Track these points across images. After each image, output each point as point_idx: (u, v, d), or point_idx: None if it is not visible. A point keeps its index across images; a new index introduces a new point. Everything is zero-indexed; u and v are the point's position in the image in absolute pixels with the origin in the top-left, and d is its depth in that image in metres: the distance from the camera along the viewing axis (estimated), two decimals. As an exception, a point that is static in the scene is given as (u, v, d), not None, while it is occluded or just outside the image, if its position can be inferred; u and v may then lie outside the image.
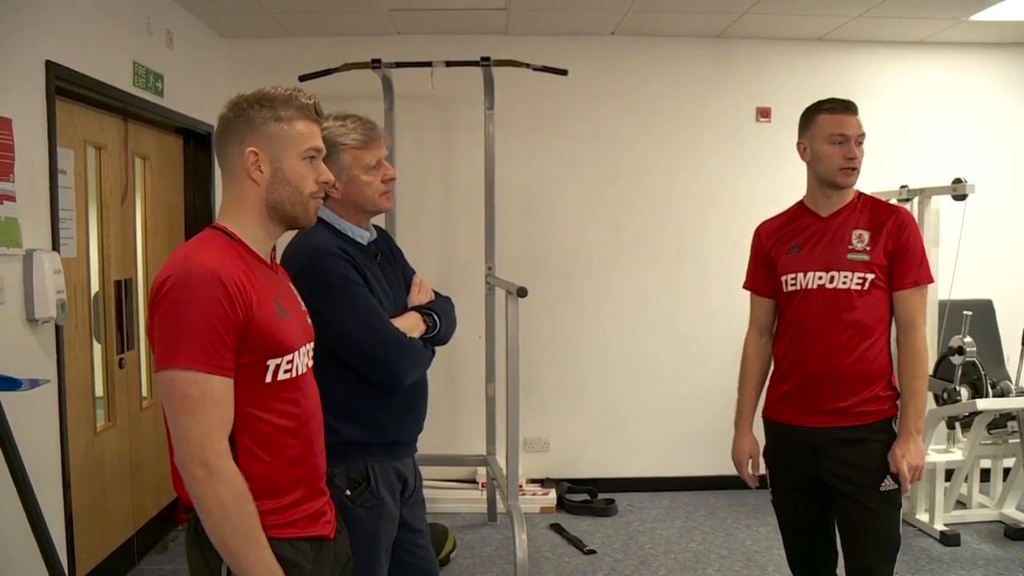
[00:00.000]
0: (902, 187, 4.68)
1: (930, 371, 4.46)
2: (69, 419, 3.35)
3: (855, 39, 5.16)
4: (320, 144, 1.78)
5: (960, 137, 5.30)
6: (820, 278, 2.52)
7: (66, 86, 3.34)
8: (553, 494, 5.06)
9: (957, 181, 4.33)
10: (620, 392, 5.31)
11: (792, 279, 2.56)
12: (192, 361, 1.54)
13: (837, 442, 2.49)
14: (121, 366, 3.96)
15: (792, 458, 2.59)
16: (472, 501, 4.98)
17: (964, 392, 4.30)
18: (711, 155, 5.24)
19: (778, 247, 2.63)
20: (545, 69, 4.47)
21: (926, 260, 2.53)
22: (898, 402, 2.53)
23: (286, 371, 1.68)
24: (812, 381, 2.52)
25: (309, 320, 1.87)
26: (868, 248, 2.49)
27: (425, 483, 5.17)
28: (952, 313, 4.42)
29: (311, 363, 1.82)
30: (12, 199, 2.90)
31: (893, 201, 4.71)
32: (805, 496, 2.59)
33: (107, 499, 3.82)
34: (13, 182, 2.91)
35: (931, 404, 4.46)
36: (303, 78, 4.37)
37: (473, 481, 5.19)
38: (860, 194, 2.61)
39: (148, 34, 4.01)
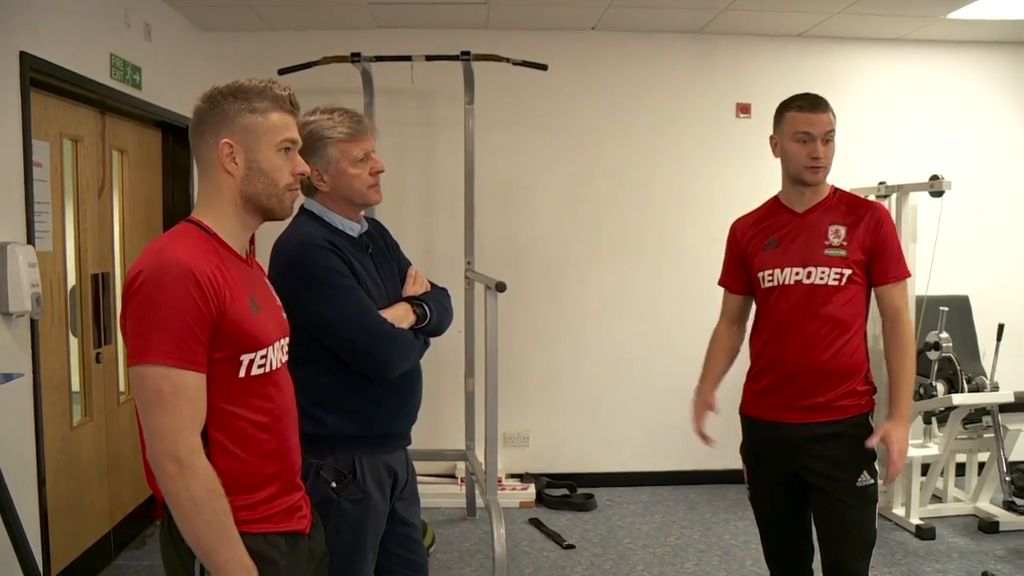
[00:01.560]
0: (880, 183, 4.70)
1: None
2: (45, 414, 3.33)
3: (834, 36, 5.19)
4: (295, 135, 1.77)
5: (938, 134, 5.35)
6: (797, 274, 2.52)
7: (41, 78, 3.31)
8: (532, 489, 5.07)
9: (934, 178, 4.35)
10: (600, 387, 5.32)
11: (769, 275, 2.57)
12: (164, 356, 1.53)
13: (814, 438, 2.50)
14: (98, 360, 3.93)
15: (770, 454, 2.60)
16: (451, 496, 4.98)
17: (940, 387, 4.34)
18: (691, 151, 5.26)
19: (754, 243, 2.64)
20: (525, 64, 4.47)
21: (903, 255, 2.56)
22: (875, 396, 2.55)
23: (260, 366, 1.67)
24: (789, 377, 2.53)
25: (284, 314, 1.86)
26: (845, 243, 2.50)
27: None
28: (929, 309, 4.45)
29: (286, 358, 1.81)
30: (-15, 192, 2.88)
31: (871, 197, 4.74)
32: (782, 492, 2.60)
33: (83, 495, 3.80)
34: (-14, 175, 2.88)
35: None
36: (283, 72, 4.35)
37: (453, 476, 5.19)
38: (836, 190, 2.62)
39: (126, 27, 3.98)
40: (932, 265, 4.40)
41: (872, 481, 2.48)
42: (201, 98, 1.73)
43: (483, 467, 3.92)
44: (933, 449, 4.52)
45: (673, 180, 5.27)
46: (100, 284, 3.97)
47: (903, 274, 2.53)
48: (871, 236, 2.50)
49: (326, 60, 4.42)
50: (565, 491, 5.11)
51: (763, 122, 5.05)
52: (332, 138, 2.22)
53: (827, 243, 2.51)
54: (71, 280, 3.74)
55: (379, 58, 4.44)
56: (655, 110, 5.25)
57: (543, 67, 4.52)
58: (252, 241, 1.82)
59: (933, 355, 4.31)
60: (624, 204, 5.27)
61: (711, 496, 5.06)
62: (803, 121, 2.50)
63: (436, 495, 4.98)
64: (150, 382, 1.53)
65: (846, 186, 4.99)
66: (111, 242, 4.14)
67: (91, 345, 3.90)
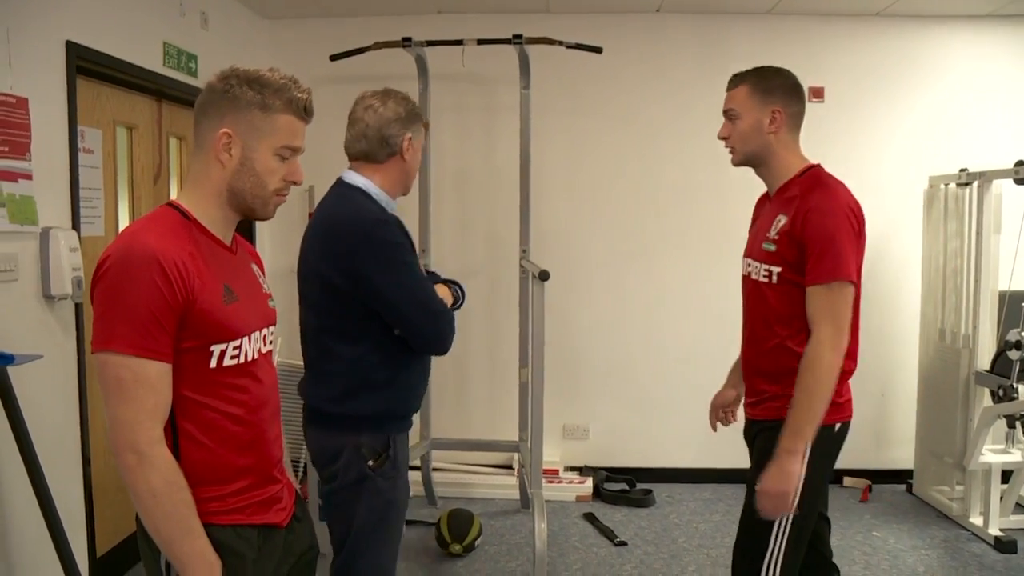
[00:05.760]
0: (961, 171, 4.40)
1: (986, 367, 4.22)
2: (93, 395, 3.40)
3: (914, 14, 4.85)
4: (298, 144, 1.71)
5: (1025, 118, 4.98)
6: (748, 266, 2.42)
7: (90, 66, 3.36)
8: (590, 483, 4.97)
9: (1020, 164, 4.04)
10: (664, 380, 5.16)
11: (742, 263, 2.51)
12: (126, 345, 1.50)
13: (753, 435, 2.43)
14: (152, 344, 4.00)
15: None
16: (507, 487, 4.92)
17: (1022, 389, 4.04)
18: (761, 137, 5.03)
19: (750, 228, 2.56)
20: (579, 47, 4.33)
21: (832, 254, 2.13)
22: None
23: (232, 357, 1.63)
24: (744, 370, 2.51)
25: (271, 304, 1.83)
26: (776, 238, 2.25)
27: (460, 468, 5.13)
28: (1011, 305, 4.16)
29: (267, 348, 1.77)
30: (28, 177, 2.93)
31: (952, 185, 4.46)
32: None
33: (135, 475, 3.87)
34: (29, 160, 2.93)
35: (987, 401, 4.23)
36: (334, 58, 4.34)
37: (510, 467, 5.13)
38: (806, 170, 2.31)
39: (180, 15, 4.02)
40: (1016, 258, 4.11)
41: None
42: (217, 76, 1.68)
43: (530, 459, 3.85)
44: (1016, 455, 4.23)
45: (742, 168, 5.04)
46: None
47: (822, 277, 2.14)
48: (797, 228, 2.18)
49: (377, 45, 4.37)
50: (624, 486, 4.98)
51: (837, 106, 4.81)
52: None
53: (767, 235, 2.30)
54: (125, 265, 3.80)
55: (430, 43, 4.36)
56: (723, 94, 5.00)
57: (598, 50, 4.37)
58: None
59: (1014, 355, 4.00)
60: (690, 193, 5.09)
61: (775, 496, 4.85)
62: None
63: (491, 486, 4.96)
64: (111, 370, 1.51)
65: (924, 173, 4.71)
66: (168, 228, 4.21)
67: (145, 329, 3.96)
